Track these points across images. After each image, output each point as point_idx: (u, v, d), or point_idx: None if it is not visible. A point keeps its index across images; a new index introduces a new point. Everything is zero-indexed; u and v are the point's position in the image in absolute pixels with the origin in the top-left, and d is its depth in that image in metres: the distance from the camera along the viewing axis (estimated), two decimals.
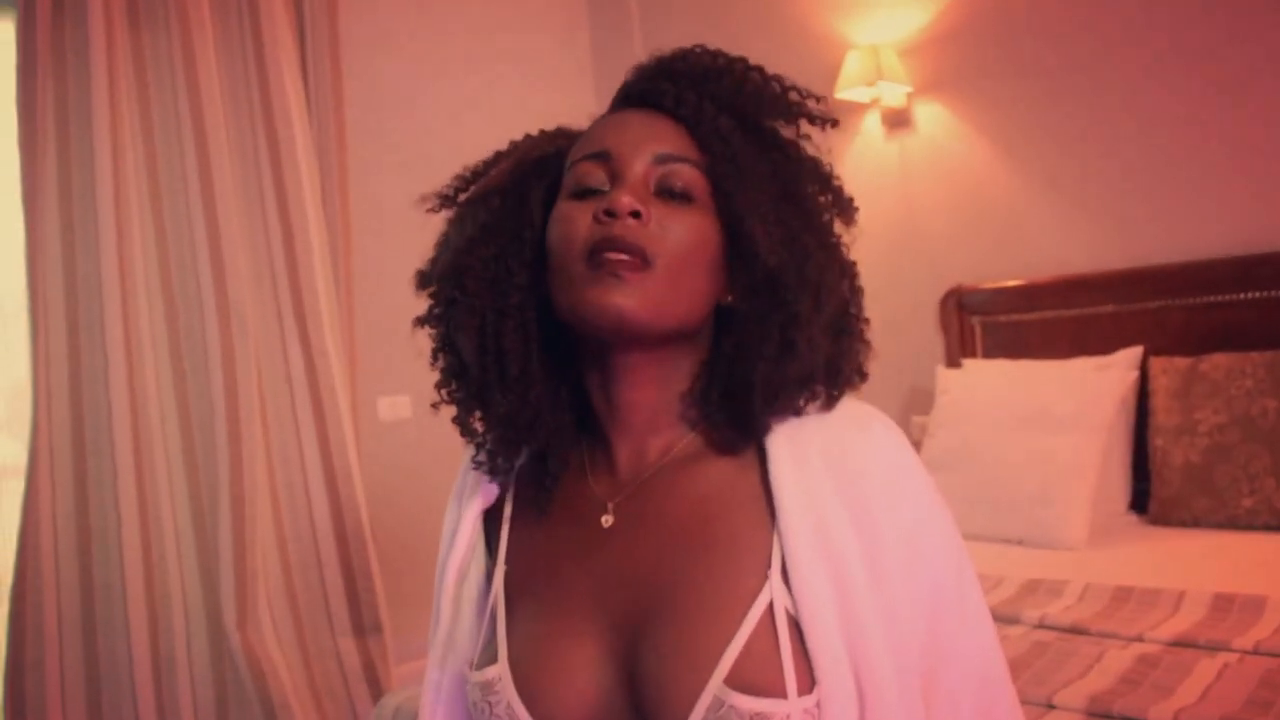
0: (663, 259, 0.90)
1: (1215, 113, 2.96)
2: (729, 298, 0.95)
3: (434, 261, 1.02)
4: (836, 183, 0.99)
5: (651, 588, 0.92)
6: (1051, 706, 1.75)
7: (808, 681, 0.86)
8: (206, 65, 3.05)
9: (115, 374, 2.83)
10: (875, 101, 3.58)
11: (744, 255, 0.92)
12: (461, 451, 1.05)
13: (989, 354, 3.39)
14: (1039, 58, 3.29)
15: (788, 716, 0.83)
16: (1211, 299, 2.94)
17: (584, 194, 0.94)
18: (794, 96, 0.98)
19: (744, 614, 0.87)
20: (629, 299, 0.88)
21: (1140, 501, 2.94)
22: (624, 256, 0.89)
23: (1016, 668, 1.90)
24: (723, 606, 0.88)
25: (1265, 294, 2.85)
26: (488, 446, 1.00)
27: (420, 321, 1.02)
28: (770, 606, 0.87)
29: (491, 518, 1.05)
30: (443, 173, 1.13)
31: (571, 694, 0.91)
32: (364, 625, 3.18)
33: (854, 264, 0.98)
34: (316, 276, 3.20)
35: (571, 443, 1.01)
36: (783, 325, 0.90)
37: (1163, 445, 2.83)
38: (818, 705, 0.85)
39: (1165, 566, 2.44)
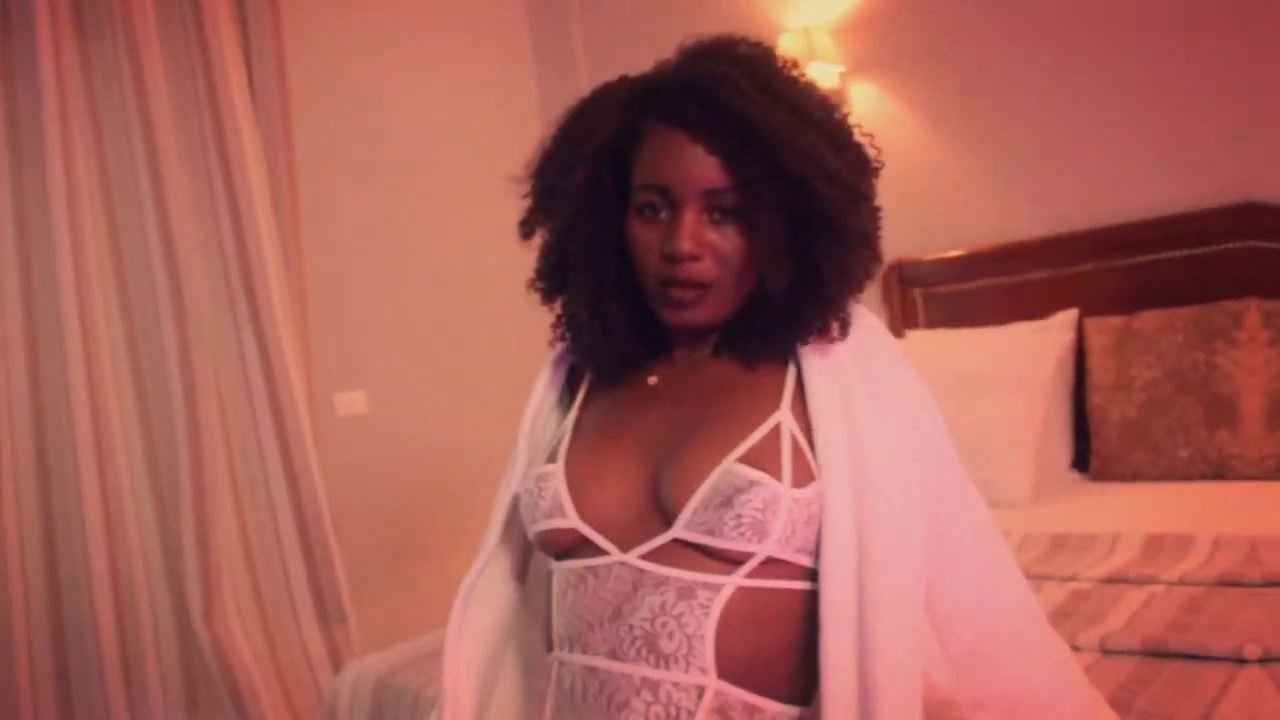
0: (717, 281, 1.14)
1: (1137, 79, 3.06)
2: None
3: (531, 218, 1.24)
4: (862, 168, 1.16)
5: (683, 424, 1.16)
6: None
7: (803, 480, 1.08)
8: (153, 69, 3.10)
9: (74, 373, 2.87)
10: None
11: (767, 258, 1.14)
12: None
13: (931, 324, 3.47)
14: (965, 34, 3.38)
15: (777, 496, 1.06)
16: (1141, 259, 3.04)
17: (647, 214, 1.16)
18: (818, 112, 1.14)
19: (755, 429, 1.11)
20: (694, 315, 1.16)
21: (1083, 460, 3.02)
22: (687, 293, 1.14)
23: None
24: (739, 424, 1.12)
25: (1191, 251, 2.94)
26: (588, 364, 1.30)
27: (532, 285, 1.27)
28: (778, 427, 1.11)
29: (576, 377, 1.34)
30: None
31: (605, 488, 1.16)
32: (328, 614, 3.23)
33: (876, 217, 1.18)
34: (269, 274, 3.23)
35: (645, 353, 1.27)
36: (807, 305, 1.14)
37: (1100, 403, 2.92)
38: (809, 499, 1.07)
39: (1103, 516, 2.53)
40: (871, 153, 1.17)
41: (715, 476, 1.08)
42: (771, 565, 1.08)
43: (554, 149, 1.22)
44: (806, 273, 1.13)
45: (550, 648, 1.19)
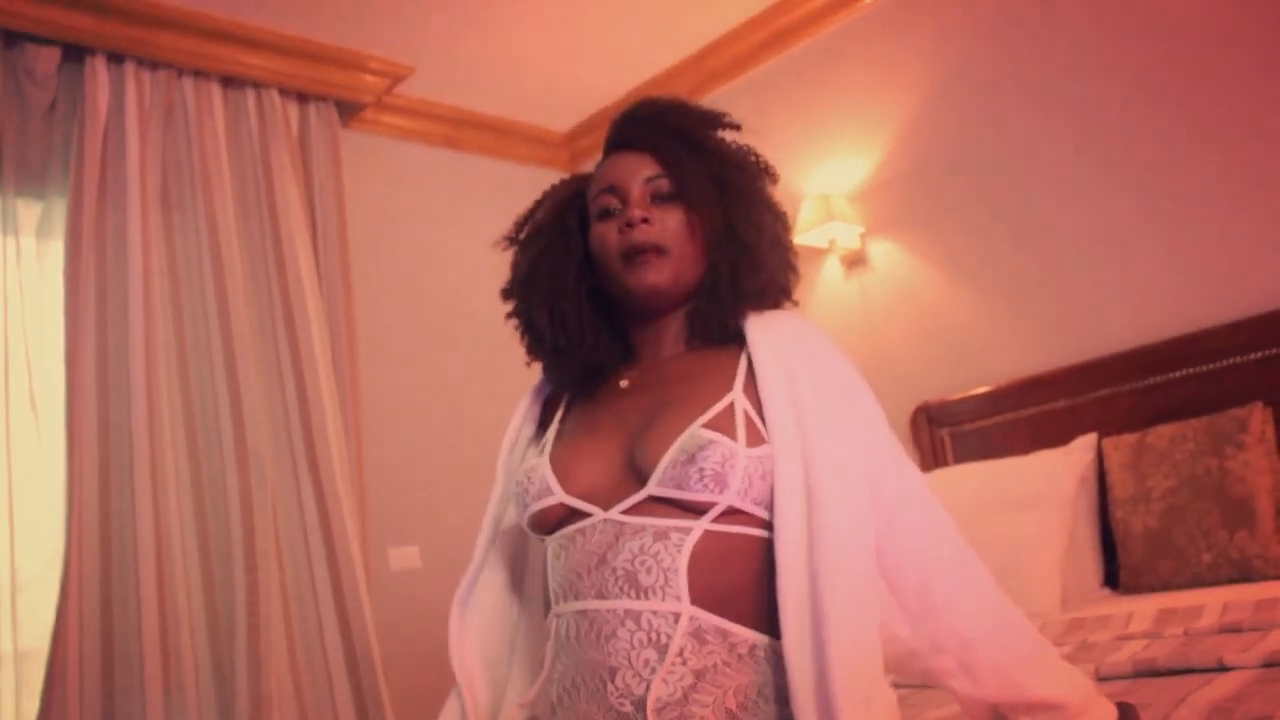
0: (670, 245, 1.37)
1: (1137, 215, 3.24)
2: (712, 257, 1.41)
3: (511, 280, 1.51)
4: (755, 160, 1.47)
5: (653, 410, 1.34)
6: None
7: (756, 442, 1.26)
8: (229, 241, 3.46)
9: (142, 512, 3.07)
10: (832, 244, 3.90)
11: (704, 227, 1.39)
12: None
13: (959, 460, 3.57)
14: (973, 188, 3.62)
15: (734, 452, 1.24)
16: (1154, 380, 3.15)
17: (606, 216, 1.42)
18: (713, 123, 1.47)
19: (714, 404, 1.30)
20: (656, 275, 1.37)
21: (1115, 580, 3.06)
22: (648, 254, 1.36)
23: None
24: (700, 402, 1.31)
25: (1201, 369, 3.05)
26: (558, 374, 1.50)
27: (508, 316, 1.51)
28: (732, 405, 1.29)
29: (553, 407, 1.52)
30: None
31: (586, 466, 1.33)
32: None
33: (783, 214, 1.46)
34: (329, 430, 3.47)
35: (613, 360, 1.47)
36: (740, 263, 1.38)
37: (1123, 516, 2.98)
38: (762, 457, 1.25)
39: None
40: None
41: (682, 439, 1.26)
42: (734, 515, 1.25)
43: (525, 218, 1.55)
44: (738, 245, 1.38)
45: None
